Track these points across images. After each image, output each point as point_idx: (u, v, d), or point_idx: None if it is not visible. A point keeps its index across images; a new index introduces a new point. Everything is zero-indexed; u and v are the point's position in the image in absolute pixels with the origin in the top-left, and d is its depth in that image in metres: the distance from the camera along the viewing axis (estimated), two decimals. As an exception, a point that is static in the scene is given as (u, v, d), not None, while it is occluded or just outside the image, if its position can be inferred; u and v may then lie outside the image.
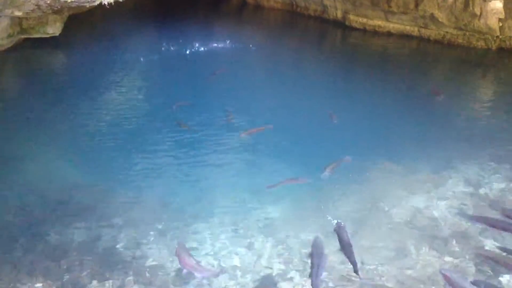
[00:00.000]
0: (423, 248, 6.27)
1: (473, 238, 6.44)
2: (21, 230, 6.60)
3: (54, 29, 15.35)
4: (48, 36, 15.39)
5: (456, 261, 6.01)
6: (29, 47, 15.20)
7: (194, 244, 6.34)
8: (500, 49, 15.88)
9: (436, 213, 6.98)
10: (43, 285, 5.59)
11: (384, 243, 6.35)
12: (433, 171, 8.19)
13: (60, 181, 7.92)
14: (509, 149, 9.00)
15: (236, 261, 6.05)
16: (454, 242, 6.36)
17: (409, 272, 5.83)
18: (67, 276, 5.73)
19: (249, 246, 6.34)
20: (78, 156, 8.86)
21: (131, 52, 15.80)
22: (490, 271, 5.84)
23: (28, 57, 14.85)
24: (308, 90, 12.62)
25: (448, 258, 6.06)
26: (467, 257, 6.07)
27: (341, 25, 20.29)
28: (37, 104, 11.22)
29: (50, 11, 13.78)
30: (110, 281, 5.68)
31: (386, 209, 7.08)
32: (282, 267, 5.95)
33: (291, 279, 5.74)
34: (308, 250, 6.16)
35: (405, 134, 9.69)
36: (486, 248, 6.25)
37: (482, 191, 7.60)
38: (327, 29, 20.65)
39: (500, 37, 15.69)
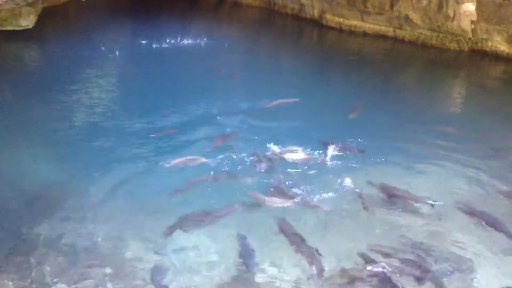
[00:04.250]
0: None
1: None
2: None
3: (27, 21, 15.08)
4: (21, 28, 15.12)
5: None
6: (1, 40, 14.87)
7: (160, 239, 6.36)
8: (472, 51, 16.22)
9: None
10: (13, 279, 5.52)
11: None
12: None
13: (31, 176, 7.81)
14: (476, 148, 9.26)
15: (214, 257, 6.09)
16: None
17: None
18: (37, 271, 5.65)
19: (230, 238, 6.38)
20: (50, 151, 8.77)
21: (105, 47, 15.63)
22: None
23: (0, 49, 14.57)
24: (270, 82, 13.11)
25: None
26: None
27: (318, 24, 20.46)
28: (9, 98, 11.03)
29: (24, 3, 13.58)
30: (81, 275, 5.63)
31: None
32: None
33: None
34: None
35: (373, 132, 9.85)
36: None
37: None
38: (304, 28, 20.79)
39: (472, 39, 16.03)
